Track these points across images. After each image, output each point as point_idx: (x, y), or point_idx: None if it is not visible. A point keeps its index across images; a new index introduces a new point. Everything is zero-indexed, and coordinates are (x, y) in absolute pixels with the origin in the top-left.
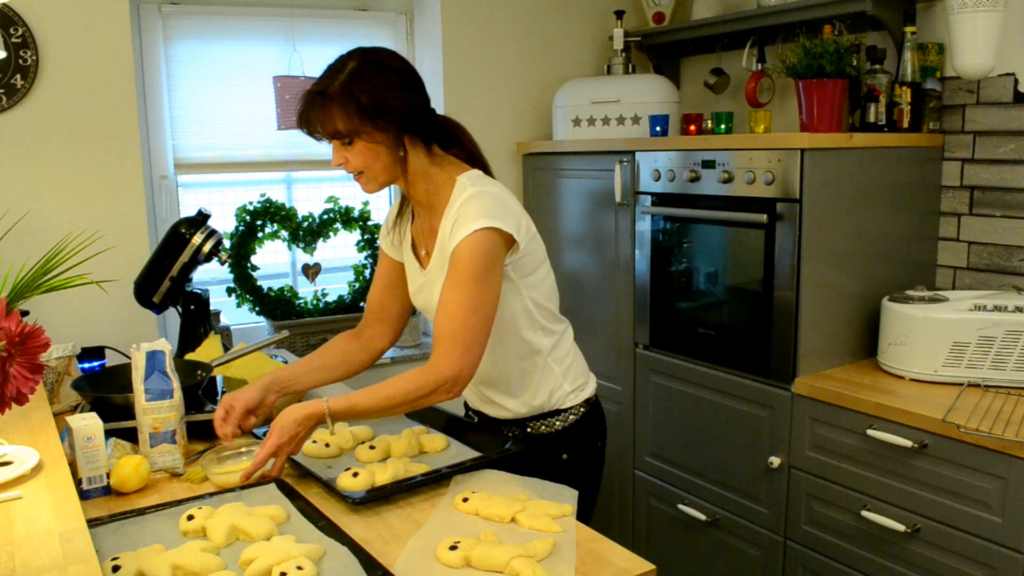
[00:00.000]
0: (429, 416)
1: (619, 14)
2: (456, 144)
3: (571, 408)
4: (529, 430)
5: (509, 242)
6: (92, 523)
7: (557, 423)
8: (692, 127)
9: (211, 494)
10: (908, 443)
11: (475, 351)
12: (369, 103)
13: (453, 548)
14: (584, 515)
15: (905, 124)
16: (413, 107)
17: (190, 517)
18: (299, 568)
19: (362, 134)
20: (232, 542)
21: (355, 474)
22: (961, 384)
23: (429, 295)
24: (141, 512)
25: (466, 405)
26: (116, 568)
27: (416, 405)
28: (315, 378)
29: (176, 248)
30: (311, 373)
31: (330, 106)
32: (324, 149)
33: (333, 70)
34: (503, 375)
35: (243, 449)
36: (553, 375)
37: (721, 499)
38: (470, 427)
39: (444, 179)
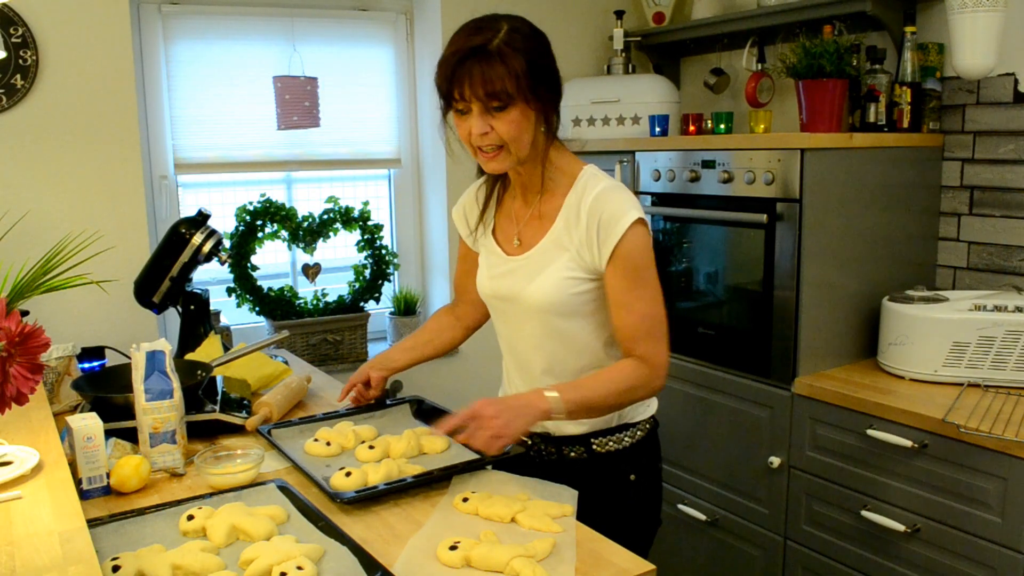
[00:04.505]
0: (433, 417)
1: (619, 14)
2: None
3: (640, 423)
4: (595, 447)
5: None
6: (92, 523)
7: (625, 439)
8: (692, 127)
9: (211, 494)
10: (908, 443)
11: (667, 336)
12: (535, 64)
13: (453, 548)
14: (643, 547)
15: (905, 124)
16: (560, 79)
17: (190, 517)
18: (299, 568)
19: (523, 98)
20: (232, 542)
21: (348, 474)
22: (961, 384)
23: (523, 283)
24: (141, 512)
25: None
26: (116, 568)
27: (633, 399)
28: (418, 354)
29: (176, 248)
30: (416, 349)
31: (495, 63)
32: (324, 149)
33: (483, 28)
34: None
35: (239, 451)
36: None
37: (721, 499)
38: None
39: (563, 164)
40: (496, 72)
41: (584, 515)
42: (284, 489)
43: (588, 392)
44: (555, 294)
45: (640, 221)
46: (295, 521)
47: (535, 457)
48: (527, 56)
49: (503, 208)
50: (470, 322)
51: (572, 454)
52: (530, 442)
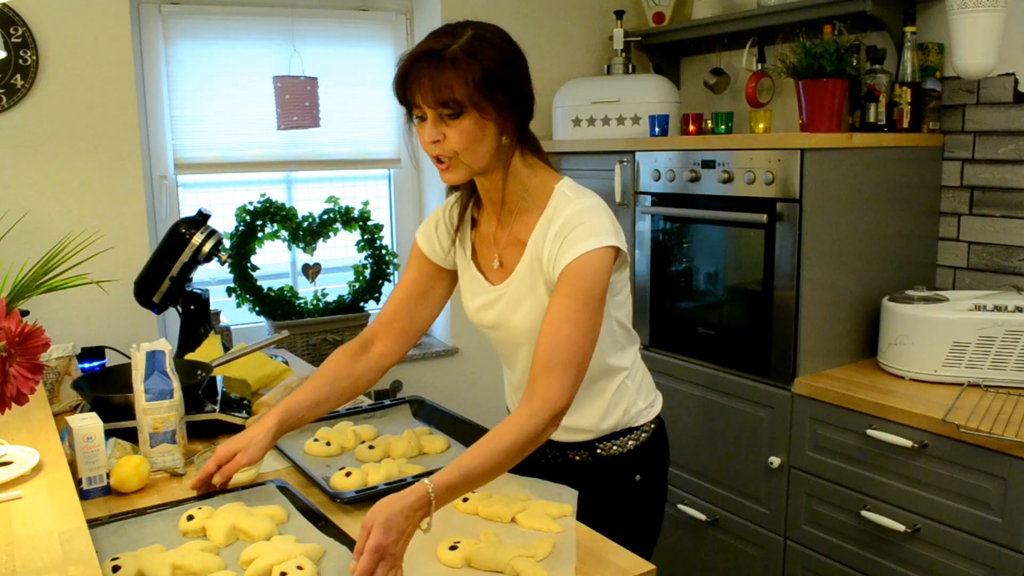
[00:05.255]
0: (434, 417)
1: (619, 14)
2: (535, 148)
3: (643, 426)
4: (600, 451)
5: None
6: (92, 523)
7: (630, 442)
8: (692, 127)
9: (211, 494)
10: (908, 443)
11: (581, 378)
12: (492, 72)
13: (453, 548)
14: (648, 546)
15: (905, 124)
16: (530, 91)
17: (190, 517)
18: (299, 568)
19: (476, 107)
20: (232, 542)
21: (348, 474)
22: (961, 384)
23: (508, 312)
24: (141, 512)
25: None
26: (116, 568)
27: (530, 450)
28: (323, 410)
29: (176, 248)
30: (320, 405)
31: (445, 69)
32: (324, 149)
33: (445, 33)
34: (579, 399)
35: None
36: (628, 392)
37: (721, 499)
38: (475, 429)
39: (536, 183)
40: (445, 79)
41: (589, 516)
42: (284, 489)
43: (464, 468)
44: (540, 322)
45: (605, 249)
46: (295, 521)
47: (540, 459)
48: (485, 64)
49: (480, 231)
50: (387, 363)
51: (577, 457)
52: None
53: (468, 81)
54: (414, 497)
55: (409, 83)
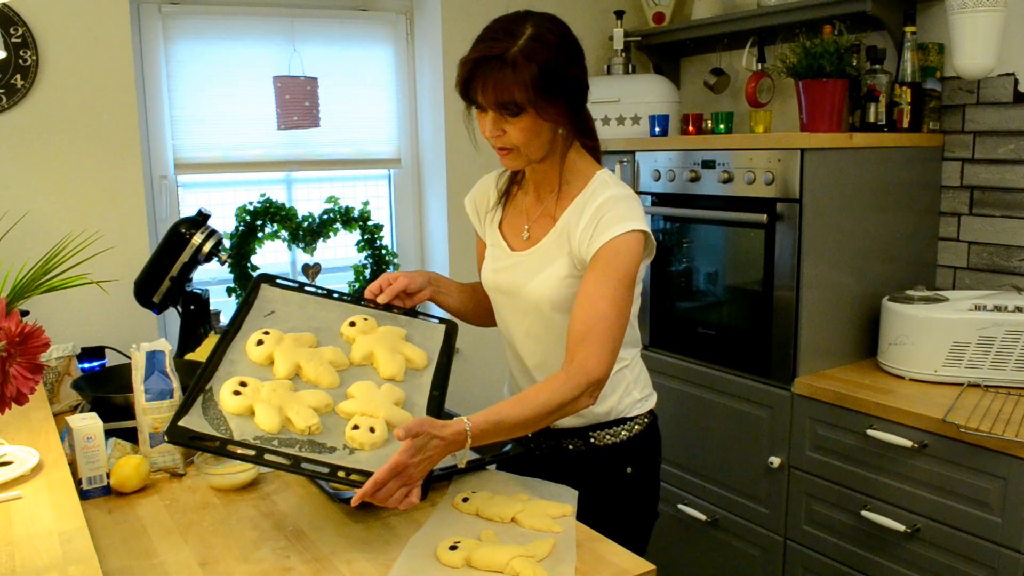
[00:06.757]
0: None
1: (619, 14)
2: (588, 134)
3: (637, 417)
4: (592, 440)
5: None
6: (285, 284)
7: (623, 432)
8: (692, 127)
9: (375, 305)
10: (908, 443)
11: (616, 354)
12: (551, 73)
13: (453, 548)
14: (641, 540)
15: (905, 124)
16: (585, 83)
17: (352, 323)
18: (371, 430)
19: (535, 106)
20: (367, 364)
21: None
22: (961, 384)
23: (524, 279)
24: (328, 295)
25: None
26: (260, 342)
27: (564, 414)
28: (461, 305)
29: (176, 248)
30: (462, 298)
31: (507, 73)
32: (324, 149)
33: (504, 32)
34: None
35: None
36: (625, 380)
37: (721, 499)
38: None
39: (580, 168)
40: (507, 82)
41: (581, 509)
42: (449, 336)
43: (501, 414)
44: (555, 292)
45: (640, 233)
46: (424, 377)
47: (534, 449)
48: (544, 65)
49: (513, 202)
50: None
51: (571, 447)
52: (530, 434)
53: (528, 84)
54: (452, 430)
55: (473, 84)
